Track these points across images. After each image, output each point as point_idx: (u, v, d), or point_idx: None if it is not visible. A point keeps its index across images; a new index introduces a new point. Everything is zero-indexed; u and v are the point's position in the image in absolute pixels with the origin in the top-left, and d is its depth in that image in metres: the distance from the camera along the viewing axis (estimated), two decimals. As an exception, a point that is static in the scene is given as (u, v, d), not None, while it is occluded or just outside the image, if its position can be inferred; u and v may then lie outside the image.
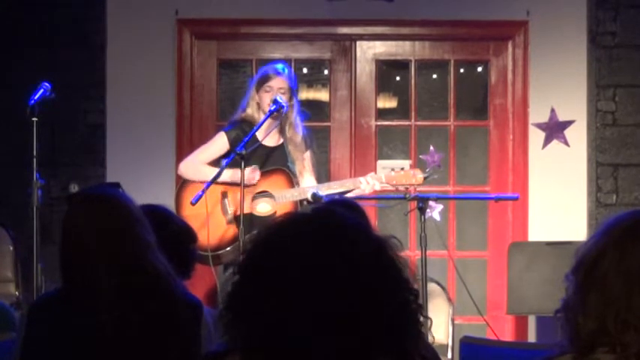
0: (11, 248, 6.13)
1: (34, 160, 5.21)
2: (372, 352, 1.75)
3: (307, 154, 5.78)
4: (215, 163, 5.65)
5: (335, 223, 1.82)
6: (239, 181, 5.39)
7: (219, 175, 5.43)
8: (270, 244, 1.82)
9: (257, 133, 5.57)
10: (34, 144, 5.22)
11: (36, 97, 5.24)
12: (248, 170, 5.47)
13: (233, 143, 5.57)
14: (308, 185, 5.66)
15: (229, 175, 5.53)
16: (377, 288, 1.77)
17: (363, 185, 5.56)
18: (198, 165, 5.68)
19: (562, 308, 2.01)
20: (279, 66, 5.76)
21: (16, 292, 6.05)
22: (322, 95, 7.04)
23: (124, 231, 3.06)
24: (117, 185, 3.30)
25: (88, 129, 6.66)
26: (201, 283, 5.83)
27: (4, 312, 4.47)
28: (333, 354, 1.73)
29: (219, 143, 5.71)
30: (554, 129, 6.67)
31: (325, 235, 1.80)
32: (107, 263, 3.01)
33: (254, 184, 5.55)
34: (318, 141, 6.11)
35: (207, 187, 5.36)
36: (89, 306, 3.00)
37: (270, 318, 1.75)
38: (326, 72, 6.95)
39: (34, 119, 5.21)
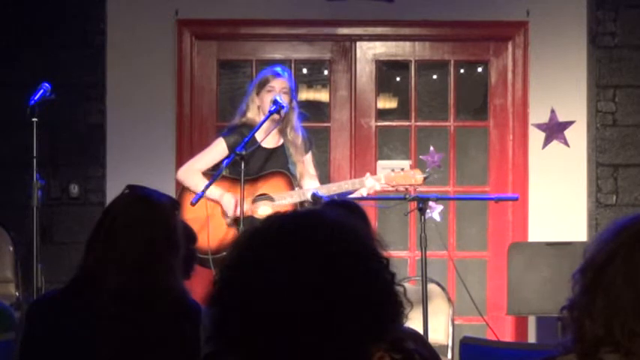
0: (11, 249, 6.13)
1: (34, 160, 5.21)
2: (359, 349, 1.73)
3: (307, 157, 5.77)
4: (214, 169, 5.62)
5: (314, 223, 1.80)
6: (220, 204, 5.52)
7: (218, 175, 5.42)
8: (250, 250, 1.81)
9: (256, 135, 5.55)
10: (34, 144, 5.22)
11: (36, 98, 5.25)
12: (228, 199, 5.51)
13: (232, 148, 5.52)
14: (309, 188, 5.65)
15: (217, 195, 5.53)
16: (361, 291, 1.74)
17: (368, 182, 5.52)
18: (192, 174, 5.65)
19: (568, 307, 1.99)
20: (278, 68, 5.75)
21: (16, 293, 6.05)
22: (322, 96, 7.04)
23: (147, 238, 3.05)
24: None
25: (88, 129, 6.65)
26: (202, 283, 5.83)
27: (4, 312, 4.47)
28: (319, 353, 1.71)
29: (218, 149, 5.67)
30: (554, 129, 6.67)
31: (307, 236, 1.77)
32: (115, 264, 3.01)
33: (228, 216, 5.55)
34: (318, 141, 6.10)
35: (207, 187, 5.36)
36: (89, 306, 3.00)
37: (256, 320, 1.75)
38: (326, 72, 6.94)
39: (34, 119, 5.21)
